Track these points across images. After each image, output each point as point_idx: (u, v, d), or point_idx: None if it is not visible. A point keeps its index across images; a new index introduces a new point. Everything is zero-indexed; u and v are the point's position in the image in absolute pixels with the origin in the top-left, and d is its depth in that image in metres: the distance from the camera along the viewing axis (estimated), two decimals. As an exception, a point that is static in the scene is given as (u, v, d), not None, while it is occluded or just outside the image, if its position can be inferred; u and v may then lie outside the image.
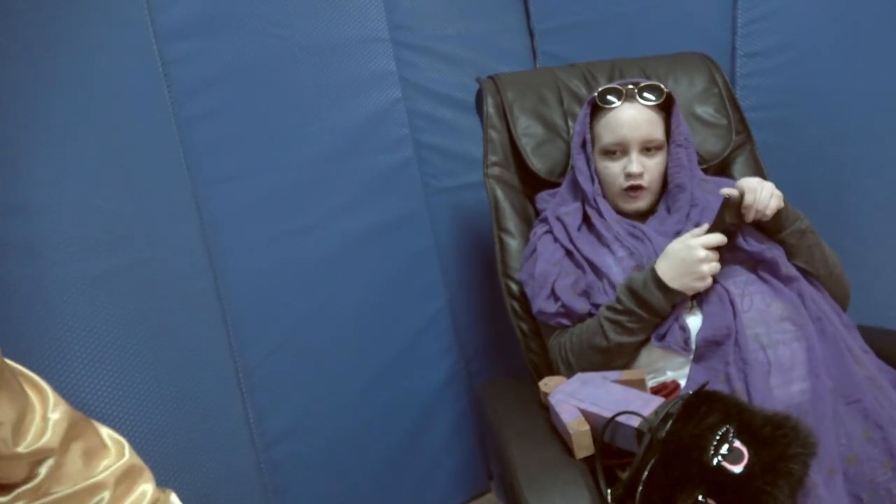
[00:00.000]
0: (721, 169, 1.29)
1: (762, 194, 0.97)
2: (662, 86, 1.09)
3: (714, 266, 0.93)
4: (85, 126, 1.15)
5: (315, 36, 1.42)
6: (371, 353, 1.47)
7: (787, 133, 1.52)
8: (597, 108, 1.12)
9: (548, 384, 0.94)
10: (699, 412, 0.74)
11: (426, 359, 1.55)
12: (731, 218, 0.97)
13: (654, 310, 0.94)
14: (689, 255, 0.92)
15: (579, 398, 0.87)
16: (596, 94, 1.11)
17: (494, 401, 1.01)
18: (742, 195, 0.97)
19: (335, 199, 1.43)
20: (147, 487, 0.67)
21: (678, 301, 0.95)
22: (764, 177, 1.29)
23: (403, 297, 1.52)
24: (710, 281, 0.93)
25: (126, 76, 1.19)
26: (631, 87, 1.09)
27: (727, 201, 0.90)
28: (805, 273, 1.00)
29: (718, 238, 0.94)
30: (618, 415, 0.80)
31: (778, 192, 0.99)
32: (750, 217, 0.98)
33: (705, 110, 1.27)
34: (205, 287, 1.26)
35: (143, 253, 1.20)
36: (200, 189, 1.26)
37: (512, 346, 1.25)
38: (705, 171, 1.24)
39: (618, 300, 0.97)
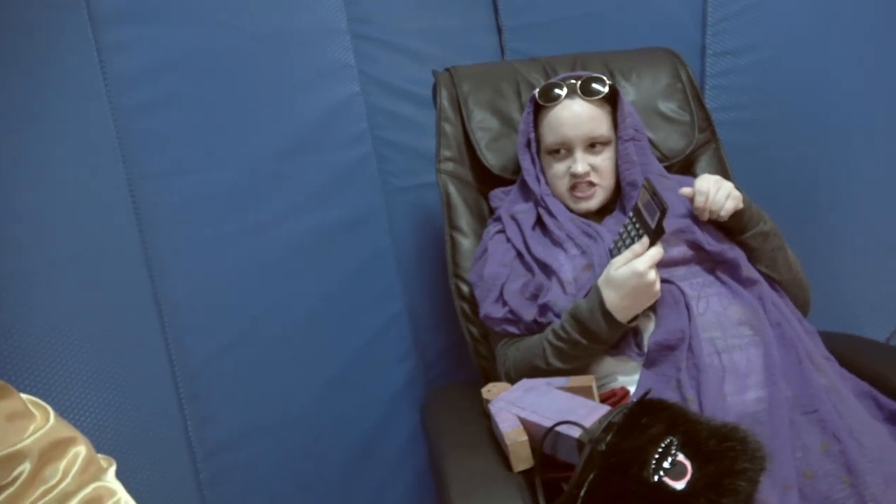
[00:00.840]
0: (685, 167, 1.23)
1: (718, 195, 0.92)
2: (605, 78, 1.03)
3: (659, 277, 0.87)
4: (12, 114, 1.08)
5: (268, 25, 1.35)
6: (324, 359, 1.40)
7: (758, 133, 1.47)
8: (539, 106, 1.06)
9: (491, 391, 0.88)
10: (641, 423, 0.68)
11: (383, 364, 1.49)
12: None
13: (599, 340, 0.89)
14: (641, 282, 0.84)
15: (521, 406, 0.81)
16: (536, 91, 1.05)
17: (438, 409, 0.96)
18: (692, 198, 0.92)
19: (288, 197, 1.37)
20: (80, 450, 0.61)
21: (624, 331, 0.89)
22: (728, 177, 1.24)
23: (359, 300, 1.46)
24: (660, 293, 0.88)
25: (57, 63, 1.13)
26: (573, 81, 1.03)
27: (665, 211, 0.82)
28: (767, 277, 0.95)
29: (661, 251, 0.87)
30: (558, 424, 0.74)
31: (736, 193, 0.94)
32: (704, 218, 0.93)
33: (668, 106, 1.22)
34: (139, 288, 1.19)
35: (73, 250, 1.13)
36: (138, 184, 1.20)
37: (474, 351, 1.19)
38: (668, 168, 1.19)
39: (562, 328, 0.91)
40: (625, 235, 0.91)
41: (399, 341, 1.51)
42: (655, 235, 0.85)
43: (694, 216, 0.97)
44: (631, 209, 0.90)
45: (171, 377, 1.22)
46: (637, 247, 0.86)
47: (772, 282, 0.96)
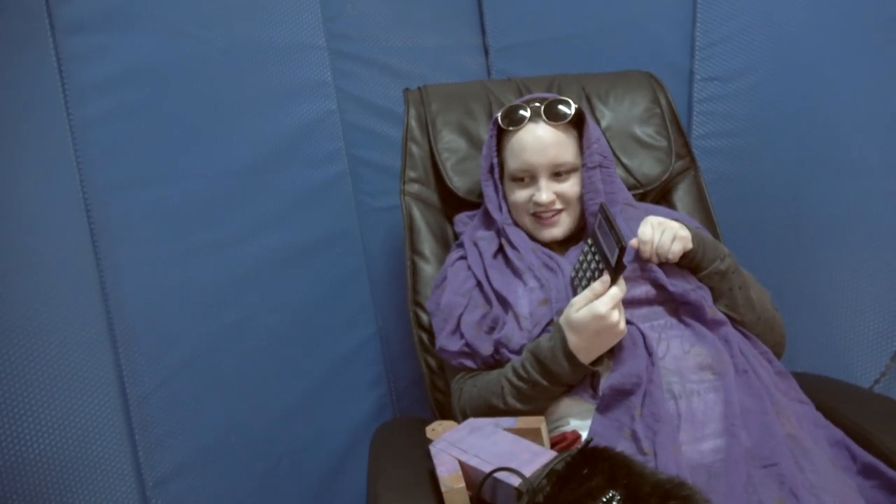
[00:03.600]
0: (662, 195, 1.18)
1: (662, 239, 0.87)
2: (571, 101, 0.98)
3: (623, 314, 0.82)
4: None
5: (238, 38, 1.33)
6: (288, 382, 1.35)
7: (745, 162, 1.42)
8: (502, 130, 1.00)
9: (435, 430, 0.82)
10: (582, 473, 0.62)
11: (351, 391, 1.43)
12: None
13: (560, 381, 0.83)
14: (603, 324, 0.79)
15: (462, 448, 0.75)
16: (498, 114, 1.00)
17: (383, 446, 0.89)
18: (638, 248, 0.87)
19: (255, 214, 1.33)
20: None
21: (588, 373, 0.84)
22: (706, 207, 1.18)
23: (328, 323, 1.40)
24: (626, 329, 0.82)
25: (15, 72, 1.10)
26: (537, 104, 0.98)
27: (623, 249, 0.77)
28: (730, 318, 0.89)
29: (623, 290, 0.81)
30: (496, 471, 0.68)
31: (684, 233, 0.88)
32: (654, 262, 0.88)
33: (645, 131, 1.18)
34: (91, 303, 1.14)
35: (23, 261, 1.09)
36: (94, 195, 1.16)
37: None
38: (643, 196, 1.14)
39: (522, 367, 0.85)
40: (584, 265, 0.86)
41: (370, 367, 1.46)
42: (615, 273, 0.79)
43: None
44: (588, 235, 0.85)
45: (121, 399, 1.17)
46: (597, 286, 0.80)
47: (735, 322, 0.90)
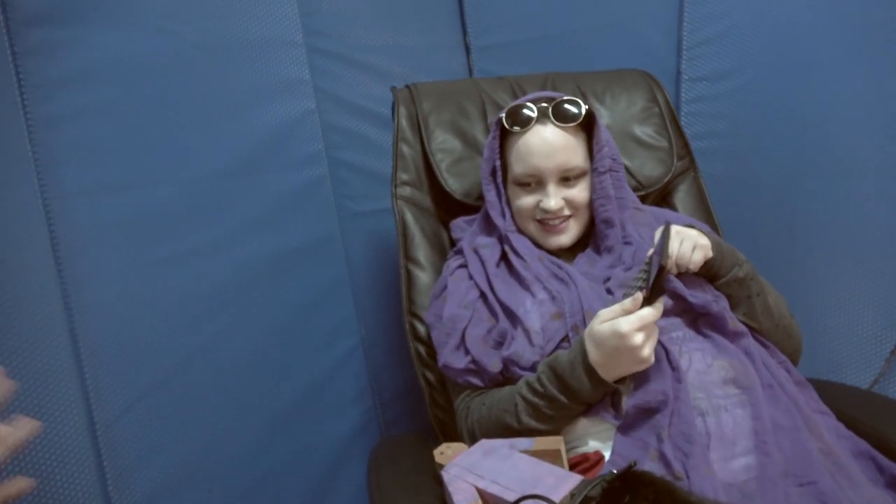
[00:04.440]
0: (662, 197, 1.15)
1: (682, 249, 0.82)
2: (580, 101, 0.92)
3: (654, 342, 0.75)
4: None
5: (213, 34, 1.25)
6: (267, 400, 1.27)
7: (733, 164, 1.40)
8: (506, 131, 0.94)
9: (444, 453, 0.76)
10: (623, 501, 0.56)
11: (334, 405, 1.36)
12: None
13: (579, 398, 0.77)
14: (623, 344, 0.72)
15: (479, 474, 0.69)
16: (503, 114, 0.93)
17: (382, 469, 0.83)
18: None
19: (231, 221, 1.25)
20: None
21: (609, 390, 0.77)
22: (707, 208, 1.15)
23: (310, 334, 1.33)
24: (653, 359, 0.76)
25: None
26: (544, 104, 0.92)
27: (664, 268, 0.71)
28: (747, 327, 0.85)
29: (656, 314, 0.74)
30: (523, 499, 0.63)
31: (703, 241, 0.83)
32: (673, 273, 0.83)
33: (644, 131, 1.14)
34: (52, 320, 1.05)
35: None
36: (55, 203, 1.07)
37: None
38: (643, 198, 1.10)
39: (538, 381, 0.79)
40: (633, 283, 0.80)
41: (354, 380, 1.39)
42: (652, 293, 0.73)
43: None
44: (647, 256, 0.79)
45: (87, 422, 1.08)
46: (628, 303, 0.74)
47: (753, 331, 0.86)
